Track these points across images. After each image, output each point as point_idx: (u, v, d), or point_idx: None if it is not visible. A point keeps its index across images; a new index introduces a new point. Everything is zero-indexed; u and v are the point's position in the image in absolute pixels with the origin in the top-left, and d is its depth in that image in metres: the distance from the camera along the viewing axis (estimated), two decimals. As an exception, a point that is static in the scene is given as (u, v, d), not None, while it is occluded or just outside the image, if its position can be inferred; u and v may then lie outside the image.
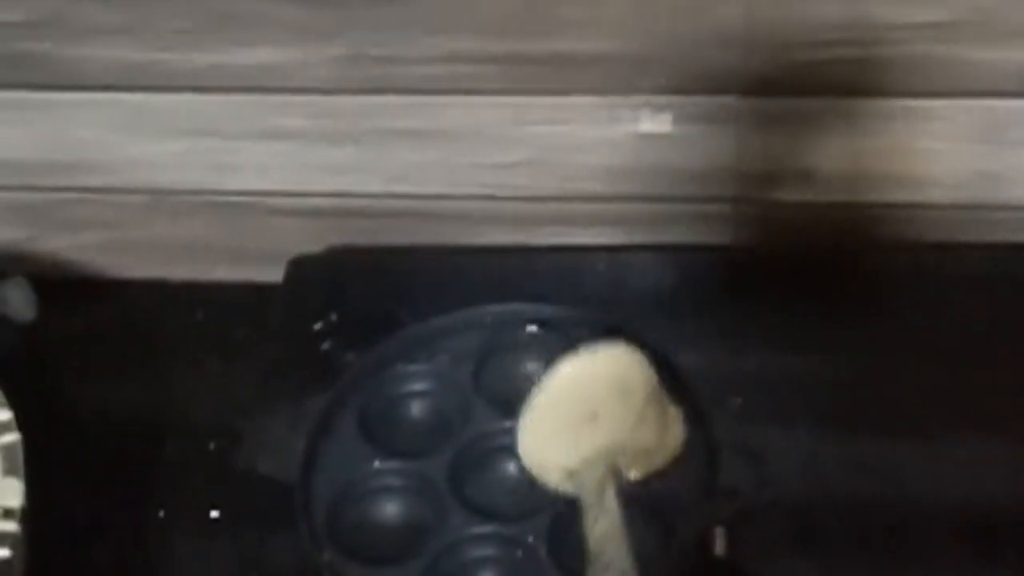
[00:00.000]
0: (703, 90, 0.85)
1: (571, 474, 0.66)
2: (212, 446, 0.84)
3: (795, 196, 0.89)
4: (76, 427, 0.86)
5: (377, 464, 0.74)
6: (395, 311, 0.86)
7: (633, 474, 0.67)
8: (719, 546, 0.72)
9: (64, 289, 0.95)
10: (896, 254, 0.90)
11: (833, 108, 0.85)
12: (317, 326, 0.88)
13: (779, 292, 0.87)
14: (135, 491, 0.82)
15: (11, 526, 0.71)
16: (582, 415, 0.67)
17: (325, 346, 0.87)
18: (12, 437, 0.74)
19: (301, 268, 0.92)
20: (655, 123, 0.86)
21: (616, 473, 0.66)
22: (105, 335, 0.94)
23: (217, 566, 0.78)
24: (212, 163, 0.91)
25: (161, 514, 0.81)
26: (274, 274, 0.92)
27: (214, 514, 0.80)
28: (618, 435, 0.66)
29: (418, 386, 0.77)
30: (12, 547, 0.70)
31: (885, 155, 0.87)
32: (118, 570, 0.79)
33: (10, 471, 0.73)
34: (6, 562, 0.69)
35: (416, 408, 0.77)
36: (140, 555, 0.79)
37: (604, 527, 0.63)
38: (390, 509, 0.73)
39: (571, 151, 0.88)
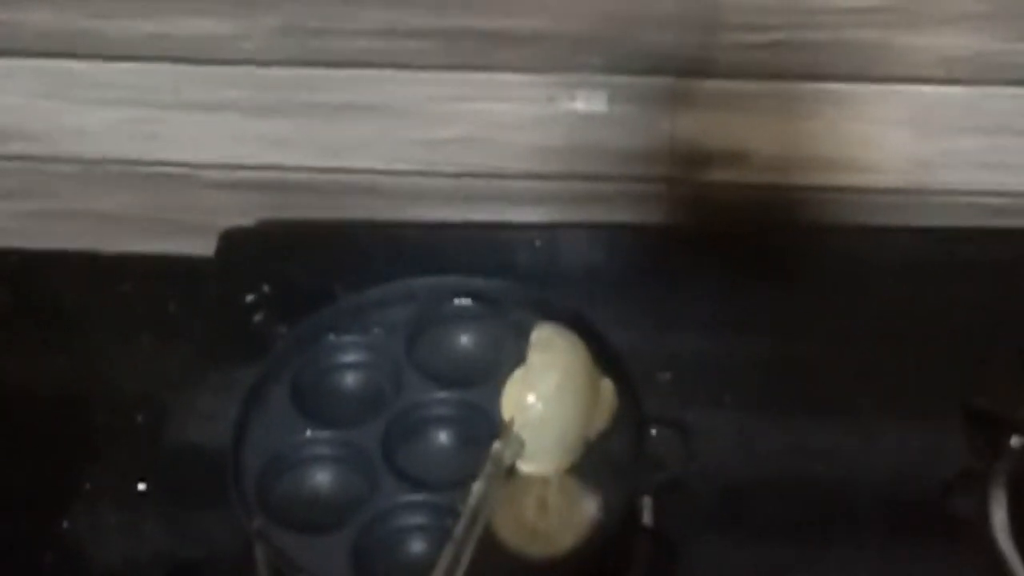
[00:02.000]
0: (638, 70, 0.85)
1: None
2: (140, 418, 0.84)
3: (728, 177, 0.90)
4: (2, 398, 0.85)
5: (309, 433, 0.73)
6: (328, 285, 0.86)
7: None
8: (646, 515, 0.73)
9: (-10, 259, 0.94)
10: (826, 236, 0.91)
11: (766, 91, 0.86)
12: (249, 299, 0.88)
13: (711, 272, 0.88)
14: (62, 463, 0.81)
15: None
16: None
17: (257, 319, 0.87)
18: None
19: (233, 241, 0.92)
20: (591, 102, 0.87)
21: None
22: (33, 306, 0.92)
23: (146, 538, 0.77)
24: (145, 133, 0.90)
25: (88, 486, 0.80)
26: (206, 247, 0.91)
27: (141, 487, 0.80)
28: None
29: (350, 357, 0.77)
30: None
31: (817, 138, 0.88)
32: (44, 542, 0.78)
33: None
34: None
35: (348, 379, 0.77)
36: (67, 528, 0.79)
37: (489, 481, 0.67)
38: (321, 478, 0.73)
39: (507, 129, 0.89)
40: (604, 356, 0.74)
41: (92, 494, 0.80)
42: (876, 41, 0.83)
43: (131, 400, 0.85)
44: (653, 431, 0.72)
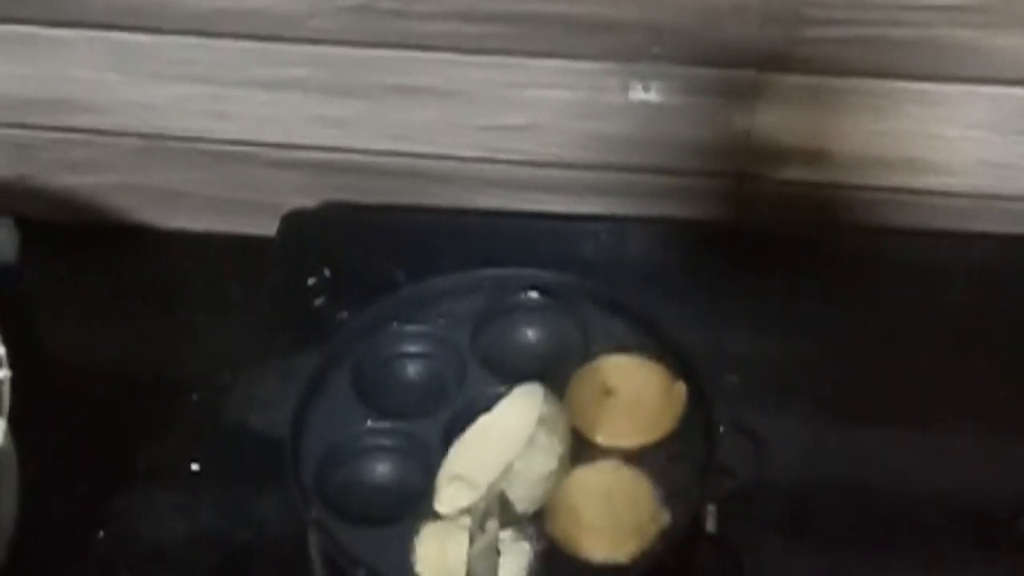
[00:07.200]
0: (715, 62, 0.83)
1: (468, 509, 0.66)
2: (196, 398, 0.83)
3: (803, 176, 0.88)
4: (58, 373, 0.84)
5: (369, 423, 0.72)
6: (389, 270, 0.85)
7: (530, 505, 0.67)
8: (710, 523, 0.71)
9: (51, 232, 0.93)
10: (902, 239, 0.89)
11: (848, 88, 0.84)
12: (310, 282, 0.87)
13: (782, 271, 0.86)
14: (117, 441, 0.80)
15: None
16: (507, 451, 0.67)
17: (318, 302, 0.86)
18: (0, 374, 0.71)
19: (296, 222, 0.91)
20: (665, 93, 0.85)
21: (503, 503, 0.66)
22: (91, 281, 0.92)
23: (198, 519, 0.76)
24: (210, 110, 0.89)
25: (142, 465, 0.79)
26: (268, 227, 0.90)
27: (195, 467, 0.79)
28: (503, 464, 0.66)
29: (413, 347, 0.76)
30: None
31: (897, 139, 0.86)
32: (97, 520, 0.77)
33: (-7, 408, 0.70)
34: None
35: (411, 369, 0.76)
36: (120, 506, 0.78)
37: (479, 548, 0.64)
38: (381, 469, 0.71)
39: (577, 117, 0.87)
40: (676, 358, 0.72)
41: (146, 473, 0.79)
42: (965, 40, 0.80)
43: (188, 379, 0.84)
44: (722, 436, 0.70)
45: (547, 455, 0.67)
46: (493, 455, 0.66)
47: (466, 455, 0.67)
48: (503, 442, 0.67)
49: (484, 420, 0.68)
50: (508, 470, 0.66)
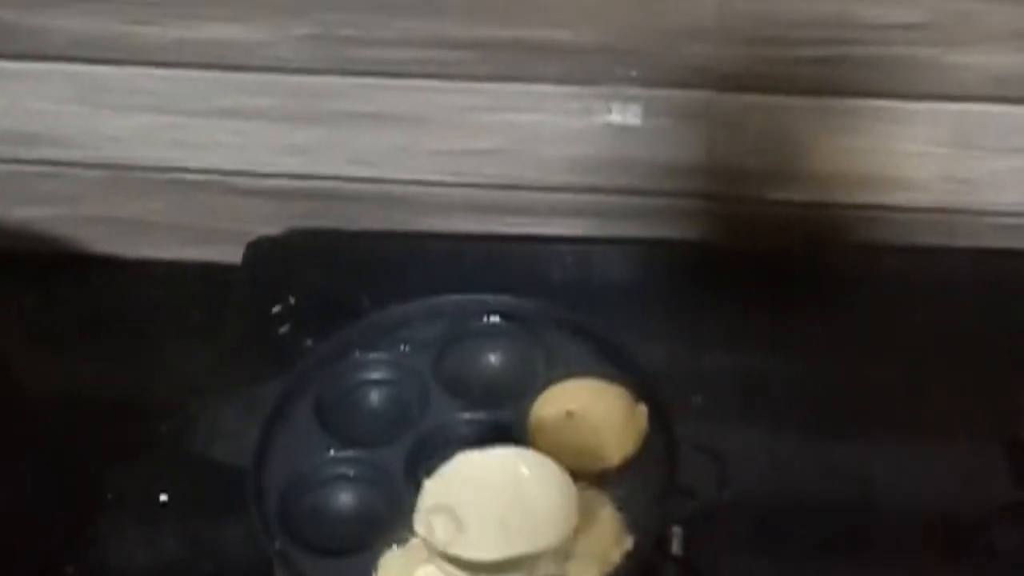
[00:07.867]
0: (676, 84, 0.84)
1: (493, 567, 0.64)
2: (164, 428, 0.83)
3: (765, 194, 0.88)
4: (24, 404, 0.84)
5: (332, 452, 0.72)
6: (355, 297, 0.85)
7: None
8: (675, 545, 0.71)
9: (18, 263, 0.93)
10: (864, 256, 0.89)
11: (806, 107, 0.84)
12: (275, 309, 0.87)
13: (746, 290, 0.86)
14: (84, 472, 0.80)
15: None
16: (510, 514, 0.65)
17: (283, 330, 0.86)
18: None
19: (260, 250, 0.91)
20: (627, 115, 0.85)
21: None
22: (57, 312, 0.92)
23: (165, 551, 0.76)
24: (173, 140, 0.89)
25: (109, 496, 0.79)
26: (233, 255, 0.90)
27: (163, 498, 0.79)
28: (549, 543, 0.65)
29: (377, 374, 0.76)
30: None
31: (857, 156, 0.86)
32: (65, 552, 0.77)
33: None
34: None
35: (374, 396, 0.76)
36: (87, 537, 0.78)
37: None
38: (344, 499, 0.71)
39: (541, 140, 0.87)
40: (637, 379, 0.72)
41: (114, 504, 0.79)
42: (923, 58, 0.81)
43: (154, 409, 0.84)
44: (684, 457, 0.70)
45: (567, 558, 0.66)
46: (483, 496, 0.65)
47: (450, 488, 0.66)
48: (495, 488, 0.66)
49: (475, 456, 0.67)
50: (535, 560, 0.64)
